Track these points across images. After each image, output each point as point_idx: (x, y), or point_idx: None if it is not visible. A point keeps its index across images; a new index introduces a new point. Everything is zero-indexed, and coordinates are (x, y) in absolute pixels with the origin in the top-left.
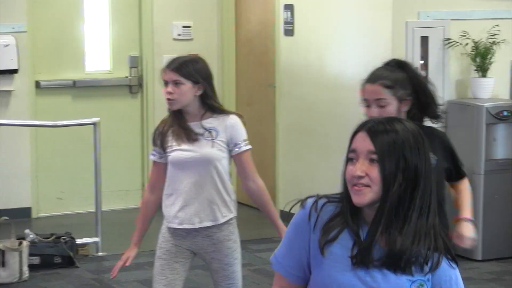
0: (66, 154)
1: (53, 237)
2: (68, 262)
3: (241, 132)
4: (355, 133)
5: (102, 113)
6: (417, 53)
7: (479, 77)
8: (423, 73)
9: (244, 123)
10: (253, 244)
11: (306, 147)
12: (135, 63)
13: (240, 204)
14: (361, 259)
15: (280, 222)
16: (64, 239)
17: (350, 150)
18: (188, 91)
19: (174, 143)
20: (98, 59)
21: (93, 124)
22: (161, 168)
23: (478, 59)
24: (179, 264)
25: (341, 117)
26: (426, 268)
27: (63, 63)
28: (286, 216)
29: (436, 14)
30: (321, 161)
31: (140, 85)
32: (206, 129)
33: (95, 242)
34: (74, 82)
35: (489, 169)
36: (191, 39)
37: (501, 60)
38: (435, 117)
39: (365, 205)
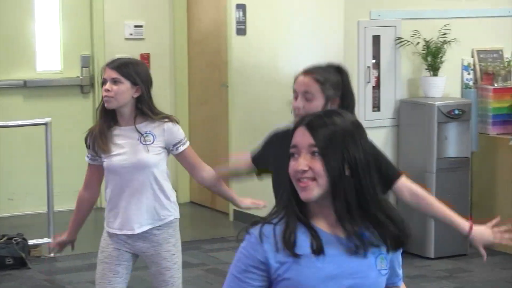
0: (17, 154)
1: (5, 238)
2: (20, 263)
3: (179, 133)
4: (294, 129)
5: (54, 113)
6: (369, 52)
7: (430, 76)
8: (374, 72)
9: (178, 122)
10: (206, 244)
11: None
12: (86, 63)
13: (193, 204)
14: (322, 250)
15: (239, 198)
16: (16, 240)
17: (291, 146)
18: (126, 91)
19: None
20: (49, 59)
21: (45, 124)
22: (95, 168)
23: (429, 58)
24: (121, 267)
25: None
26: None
27: (14, 63)
28: (240, 215)
29: (388, 14)
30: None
31: (92, 85)
32: (141, 134)
33: (47, 243)
34: (25, 82)
35: (441, 167)
36: (142, 39)
37: (452, 59)
38: None
39: (313, 200)
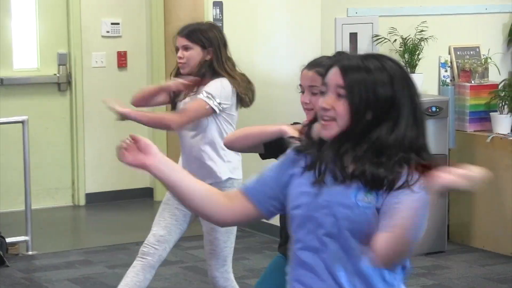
0: None
1: None
2: None
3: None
4: (329, 67)
5: (31, 111)
6: (346, 50)
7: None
8: None
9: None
10: (184, 241)
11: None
12: (63, 60)
13: None
14: (318, 178)
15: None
16: None
17: (323, 83)
18: (196, 56)
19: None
20: (26, 56)
21: (22, 122)
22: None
23: (406, 56)
24: (179, 212)
25: (271, 113)
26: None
27: None
28: None
29: (365, 11)
30: (252, 156)
31: (69, 82)
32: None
33: (25, 241)
34: (2, 80)
35: None
36: (119, 36)
37: (429, 56)
38: None
39: (331, 139)
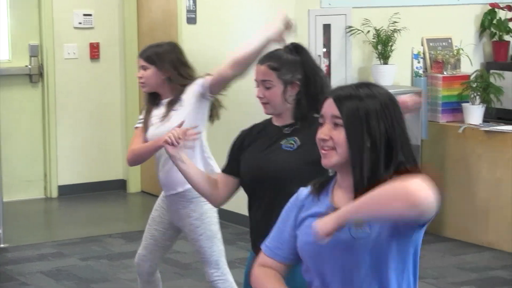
0: None
1: None
2: None
3: None
4: (325, 99)
5: (2, 103)
6: (319, 41)
7: (381, 64)
8: (325, 61)
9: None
10: None
11: (209, 134)
12: (35, 52)
13: (144, 193)
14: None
15: None
16: None
17: (320, 115)
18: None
19: None
20: None
21: None
22: None
23: (379, 47)
24: (158, 232)
25: (243, 104)
26: None
27: None
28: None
29: (338, 2)
30: (225, 147)
31: (41, 74)
32: None
33: None
34: None
35: None
36: (92, 28)
37: (402, 48)
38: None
39: (332, 167)
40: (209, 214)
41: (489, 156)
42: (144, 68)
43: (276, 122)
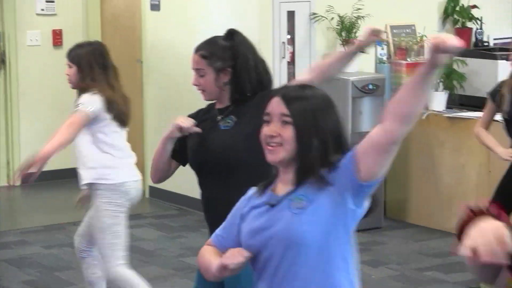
0: None
1: None
2: None
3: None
4: (270, 98)
5: None
6: (284, 28)
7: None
8: (289, 47)
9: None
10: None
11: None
12: None
13: None
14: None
15: None
16: None
17: (265, 113)
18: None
19: None
20: None
21: None
22: None
23: (343, 34)
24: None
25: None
26: None
27: None
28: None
29: None
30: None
31: (3, 61)
32: None
33: None
34: None
35: (356, 141)
36: (55, 14)
37: None
38: (243, 93)
39: (278, 163)
40: (105, 207)
41: (452, 142)
42: (68, 65)
43: (217, 106)
